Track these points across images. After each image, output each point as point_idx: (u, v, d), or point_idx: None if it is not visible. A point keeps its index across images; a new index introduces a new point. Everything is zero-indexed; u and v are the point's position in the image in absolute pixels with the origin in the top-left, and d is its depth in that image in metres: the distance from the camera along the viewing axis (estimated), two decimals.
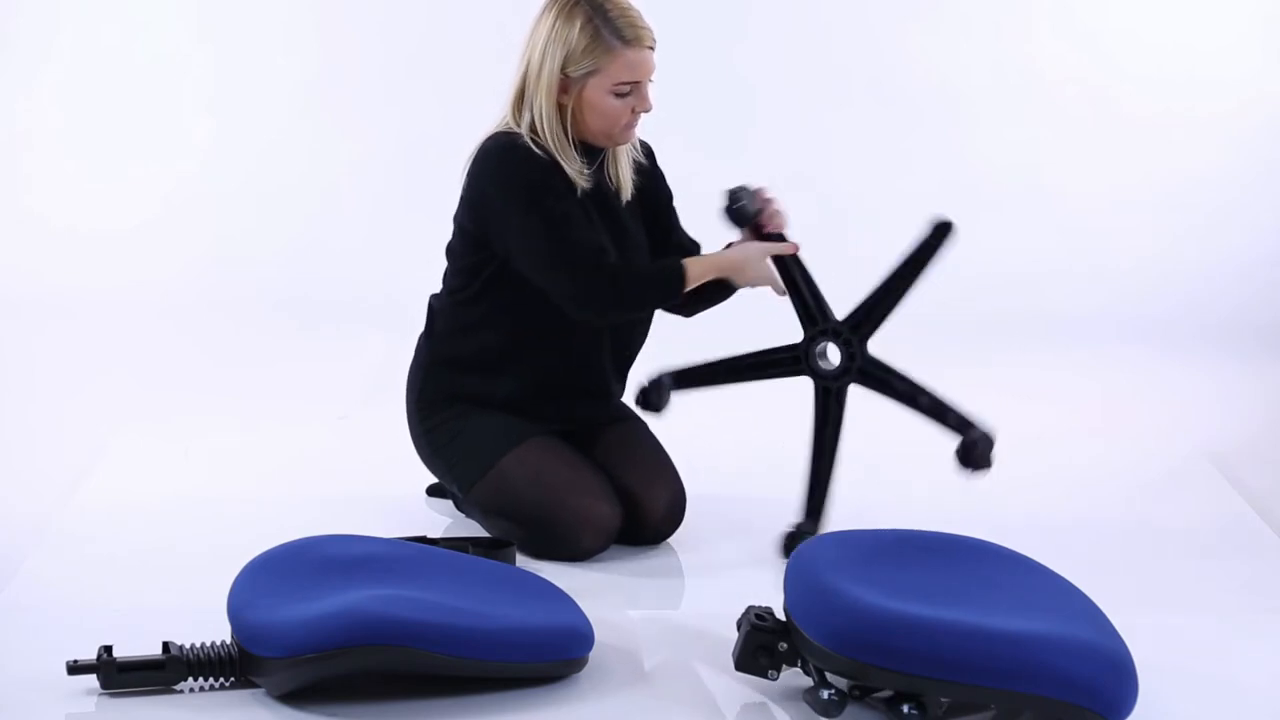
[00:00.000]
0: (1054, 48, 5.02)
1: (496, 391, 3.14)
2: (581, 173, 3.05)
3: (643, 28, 3.01)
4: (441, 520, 3.31)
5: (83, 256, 4.79)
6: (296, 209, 4.93)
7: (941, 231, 3.11)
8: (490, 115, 5.12)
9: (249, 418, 3.98)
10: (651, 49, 3.03)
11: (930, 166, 4.95)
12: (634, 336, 3.23)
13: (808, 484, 3.11)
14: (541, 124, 3.03)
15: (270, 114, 5.02)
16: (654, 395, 3.07)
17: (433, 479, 3.37)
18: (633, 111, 3.04)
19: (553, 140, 3.03)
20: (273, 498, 3.42)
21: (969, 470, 3.03)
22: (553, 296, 3.05)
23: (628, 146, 3.13)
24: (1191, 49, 4.99)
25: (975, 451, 3.01)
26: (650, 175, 3.22)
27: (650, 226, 3.22)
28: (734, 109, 4.84)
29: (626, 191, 3.14)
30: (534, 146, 3.03)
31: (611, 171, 3.14)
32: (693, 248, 3.27)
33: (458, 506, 3.31)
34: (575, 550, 3.07)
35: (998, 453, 3.01)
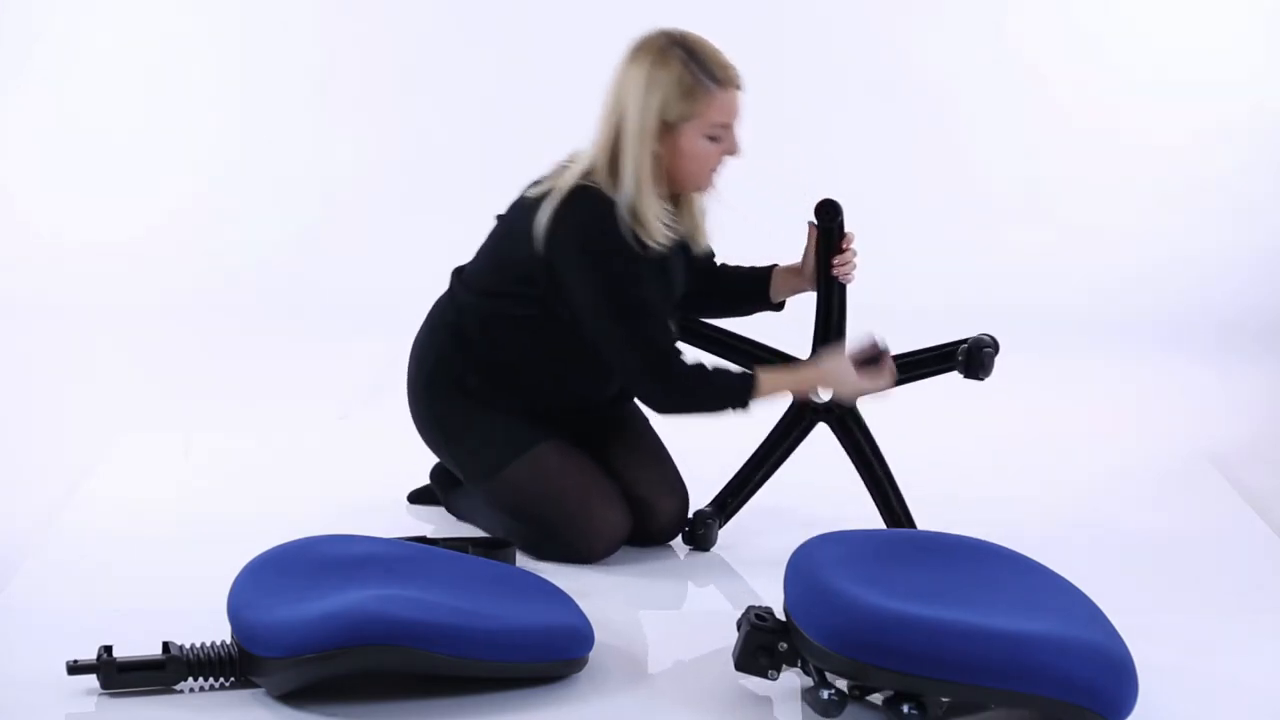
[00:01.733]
0: (1055, 48, 5.03)
1: (513, 404, 3.11)
2: (667, 226, 2.99)
3: (732, 68, 2.97)
4: (441, 521, 3.31)
5: (83, 257, 4.79)
6: (297, 210, 4.93)
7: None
8: (492, 115, 5.12)
9: (249, 418, 3.99)
10: (740, 90, 2.98)
11: (930, 166, 4.95)
12: None
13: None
14: (641, 175, 2.94)
15: (272, 114, 5.02)
16: (700, 531, 3.15)
17: (415, 486, 3.39)
18: (721, 156, 2.99)
19: (647, 193, 2.95)
20: (273, 498, 3.42)
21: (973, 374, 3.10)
22: (617, 372, 3.04)
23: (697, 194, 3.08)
24: (1195, 49, 4.99)
25: (978, 357, 3.06)
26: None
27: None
28: None
29: (700, 241, 3.13)
30: (619, 215, 2.95)
31: (685, 220, 3.08)
32: (708, 255, 3.23)
33: (449, 509, 3.31)
34: (585, 556, 3.07)
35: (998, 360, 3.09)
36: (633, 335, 2.97)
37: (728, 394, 3.01)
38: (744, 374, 3.04)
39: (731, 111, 2.97)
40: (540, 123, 4.93)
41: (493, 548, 3.02)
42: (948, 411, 4.07)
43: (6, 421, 3.97)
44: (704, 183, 3.02)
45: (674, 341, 3.05)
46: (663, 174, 2.98)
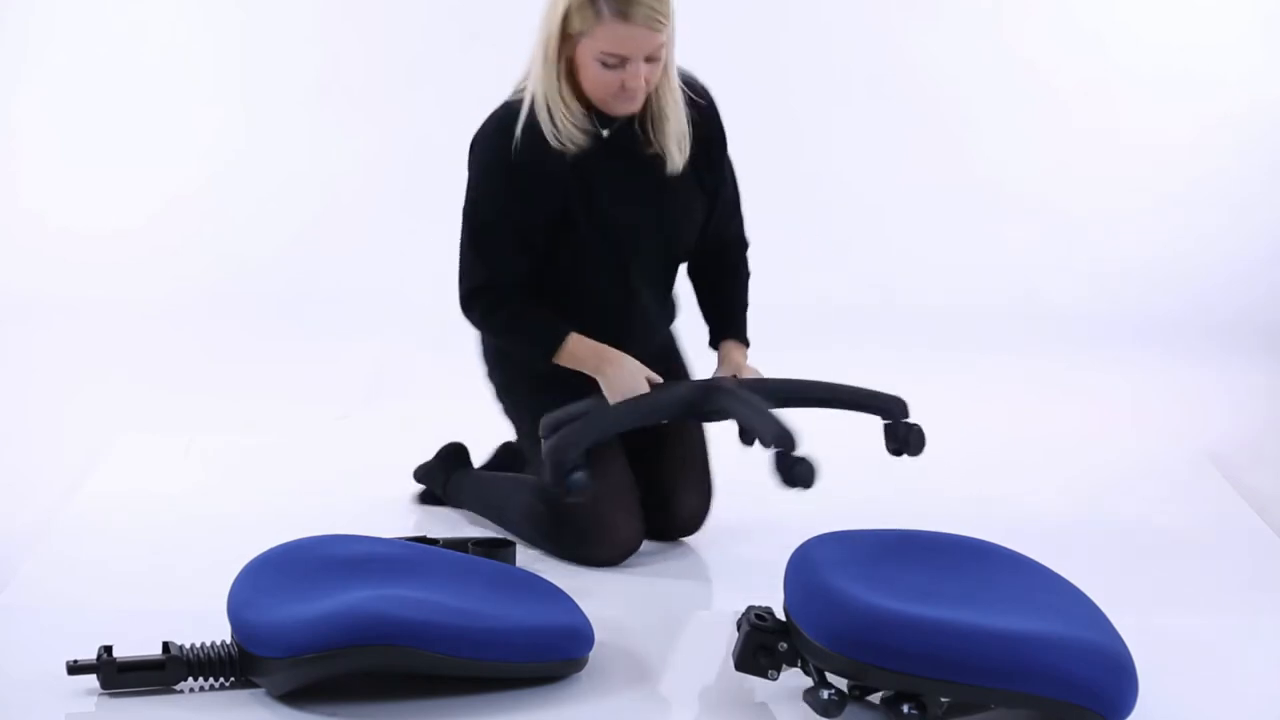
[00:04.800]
0: (1056, 48, 5.02)
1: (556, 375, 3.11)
2: (580, 131, 2.98)
3: (645, 6, 2.87)
4: (441, 520, 3.31)
5: (83, 257, 4.79)
6: (297, 209, 4.92)
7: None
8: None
9: (249, 418, 3.98)
10: (651, 29, 2.88)
11: (930, 166, 4.95)
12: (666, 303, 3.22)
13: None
14: (538, 74, 2.97)
15: (272, 114, 5.02)
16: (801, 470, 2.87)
17: (422, 487, 3.41)
18: (622, 86, 2.93)
19: (552, 94, 2.97)
20: (273, 497, 3.42)
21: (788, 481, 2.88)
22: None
23: (673, 115, 3.01)
24: (1196, 48, 4.99)
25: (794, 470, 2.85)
26: (702, 152, 3.10)
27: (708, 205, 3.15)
28: (735, 108, 4.84)
29: (672, 161, 3.04)
30: (524, 118, 2.99)
31: (653, 137, 3.04)
32: (736, 245, 3.21)
33: (448, 499, 3.32)
34: (589, 560, 3.08)
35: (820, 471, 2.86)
36: (466, 252, 3.07)
37: (532, 345, 3.07)
38: (554, 333, 3.04)
39: (625, 46, 2.89)
40: None
41: (493, 547, 3.02)
42: (947, 411, 4.07)
43: (6, 421, 3.97)
44: (610, 105, 2.97)
45: (509, 277, 3.05)
46: (575, 80, 2.98)
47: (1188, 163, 4.91)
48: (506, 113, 3.04)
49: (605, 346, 3.06)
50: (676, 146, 3.05)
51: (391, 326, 4.49)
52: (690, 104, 3.06)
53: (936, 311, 4.58)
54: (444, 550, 2.80)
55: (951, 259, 4.79)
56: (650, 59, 2.93)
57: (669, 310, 3.26)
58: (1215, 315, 4.63)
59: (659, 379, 3.07)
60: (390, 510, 3.31)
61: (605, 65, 2.92)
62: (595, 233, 3.06)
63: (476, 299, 3.08)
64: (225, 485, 3.52)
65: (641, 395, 3.00)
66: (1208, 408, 4.10)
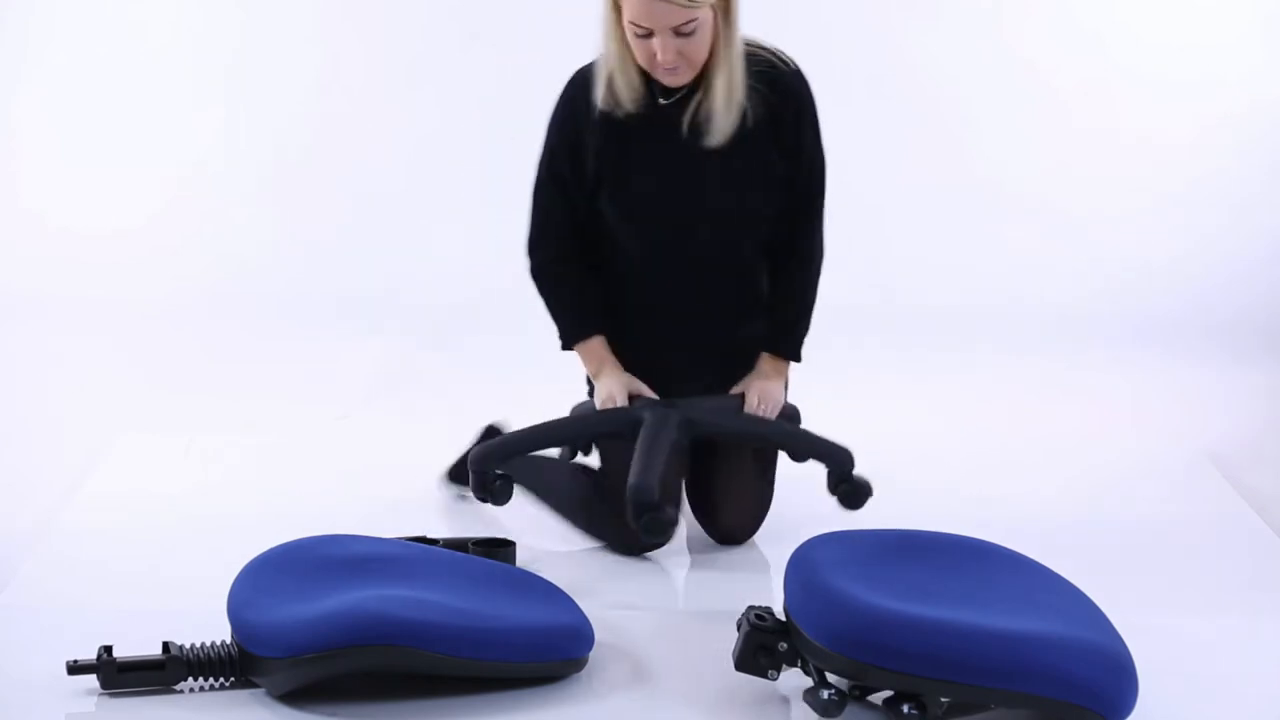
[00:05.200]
0: (1056, 48, 5.02)
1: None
2: (633, 98, 3.01)
3: None
4: (441, 520, 3.31)
5: (83, 257, 4.79)
6: (297, 209, 4.92)
7: None
8: (495, 115, 5.13)
9: (249, 418, 3.98)
10: (672, 2, 2.86)
11: (930, 166, 4.95)
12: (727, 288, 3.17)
13: None
14: (608, 40, 2.99)
15: (272, 114, 5.02)
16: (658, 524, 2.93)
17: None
18: (655, 57, 2.94)
19: (611, 56, 3.00)
20: (273, 497, 3.42)
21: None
22: None
23: (722, 88, 2.98)
24: (1196, 48, 4.98)
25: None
26: (765, 129, 3.05)
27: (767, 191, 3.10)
28: None
29: (714, 134, 3.01)
30: (593, 80, 3.03)
31: (706, 106, 3.01)
32: (804, 254, 3.16)
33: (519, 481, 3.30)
34: (614, 546, 3.11)
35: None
36: (532, 205, 3.16)
37: (556, 324, 3.17)
38: (578, 328, 3.12)
39: (648, 17, 2.89)
40: (543, 122, 4.94)
41: (493, 547, 3.02)
42: (947, 411, 4.08)
43: (6, 421, 3.97)
44: (655, 73, 2.99)
45: (554, 229, 3.12)
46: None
47: (1188, 163, 4.91)
48: (579, 73, 3.10)
49: (610, 359, 3.12)
50: (721, 120, 3.00)
51: (391, 326, 4.49)
52: (763, 78, 3.03)
53: (936, 311, 4.58)
54: (444, 550, 2.80)
55: (951, 259, 4.79)
56: (681, 32, 2.91)
57: (739, 304, 3.18)
58: (1215, 315, 4.63)
59: (648, 394, 3.09)
60: (390, 510, 3.31)
61: (637, 35, 2.94)
62: (613, 197, 3.08)
63: (532, 252, 3.17)
64: (225, 485, 3.52)
65: (581, 414, 3.12)
66: (1208, 408, 4.10)
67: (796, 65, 3.10)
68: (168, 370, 4.29)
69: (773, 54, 3.08)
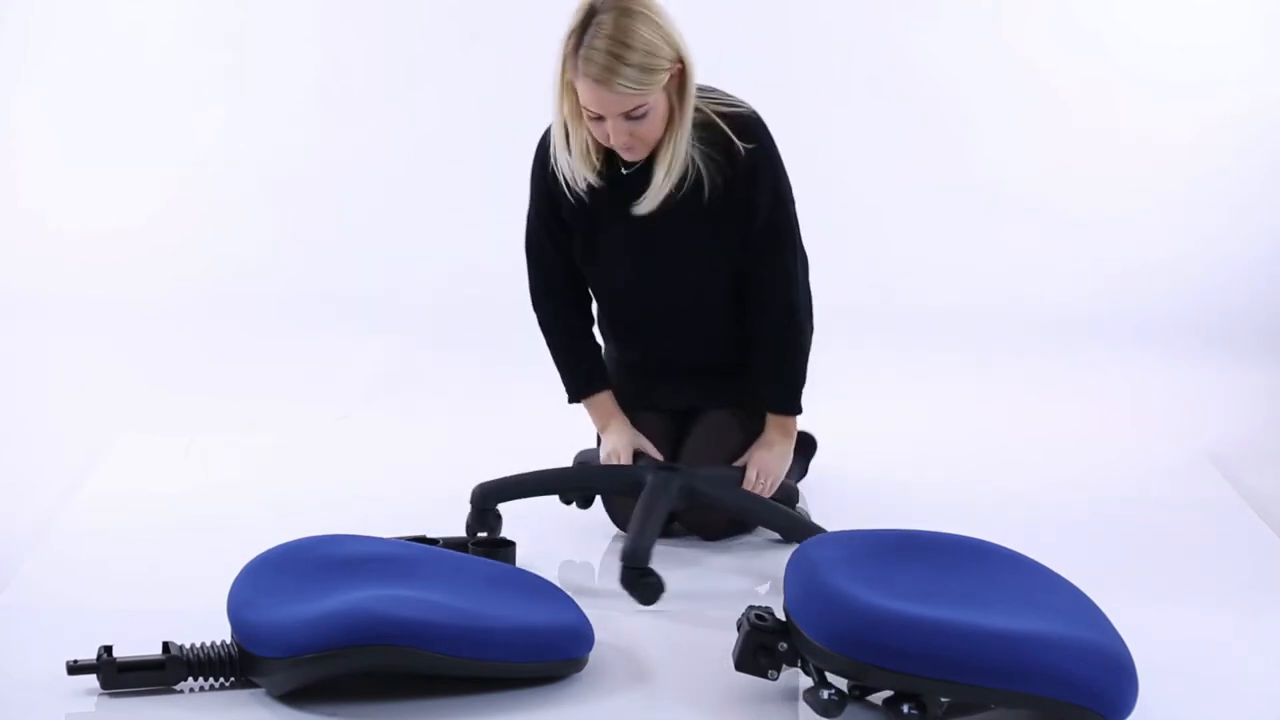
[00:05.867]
0: (1056, 48, 5.02)
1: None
2: (591, 170, 3.03)
3: (604, 66, 2.86)
4: (441, 520, 3.31)
5: (83, 257, 4.79)
6: (298, 209, 4.92)
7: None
8: (495, 115, 5.13)
9: (249, 418, 3.98)
10: (614, 92, 2.87)
11: (930, 166, 4.95)
12: (712, 325, 3.20)
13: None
14: (561, 111, 2.99)
15: (272, 114, 5.02)
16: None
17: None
18: (601, 132, 2.96)
19: (555, 132, 3.03)
20: (273, 498, 3.42)
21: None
22: None
23: (674, 164, 2.99)
24: (1196, 48, 4.98)
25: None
26: (720, 201, 3.06)
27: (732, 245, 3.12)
28: None
29: (643, 204, 3.02)
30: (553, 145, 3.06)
31: (655, 175, 3.02)
32: (779, 308, 3.14)
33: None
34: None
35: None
36: (526, 256, 3.22)
37: (562, 375, 3.24)
38: (587, 382, 3.20)
39: (593, 102, 2.91)
40: (543, 122, 4.94)
41: (493, 547, 3.02)
42: (947, 411, 4.08)
43: (6, 421, 3.97)
44: (614, 148, 2.99)
45: (556, 281, 3.18)
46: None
47: (1188, 163, 4.91)
48: (549, 131, 3.10)
49: (617, 415, 3.19)
50: (655, 190, 3.01)
51: (391, 326, 4.49)
52: (722, 150, 3.03)
53: (936, 311, 4.58)
54: (444, 550, 2.79)
55: (951, 259, 4.79)
56: (631, 116, 2.92)
57: (709, 340, 3.21)
58: (1215, 315, 4.63)
59: (654, 455, 3.15)
60: (390, 510, 3.31)
61: (589, 117, 2.95)
62: (582, 258, 3.15)
63: (536, 306, 3.22)
64: (225, 485, 3.52)
65: (585, 467, 3.21)
66: (1208, 408, 4.09)
67: (752, 112, 3.09)
68: (168, 370, 4.29)
69: (726, 108, 3.05)
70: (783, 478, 3.14)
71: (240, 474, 3.60)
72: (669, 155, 2.99)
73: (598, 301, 3.24)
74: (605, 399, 3.21)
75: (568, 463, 3.32)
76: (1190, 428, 3.94)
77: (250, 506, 3.36)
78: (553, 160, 3.05)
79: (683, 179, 3.01)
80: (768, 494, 3.10)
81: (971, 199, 4.89)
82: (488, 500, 3.08)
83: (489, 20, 4.98)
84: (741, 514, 3.14)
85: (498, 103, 4.90)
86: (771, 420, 3.18)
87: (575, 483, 3.19)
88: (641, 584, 2.84)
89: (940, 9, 5.05)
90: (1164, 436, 3.89)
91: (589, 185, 3.05)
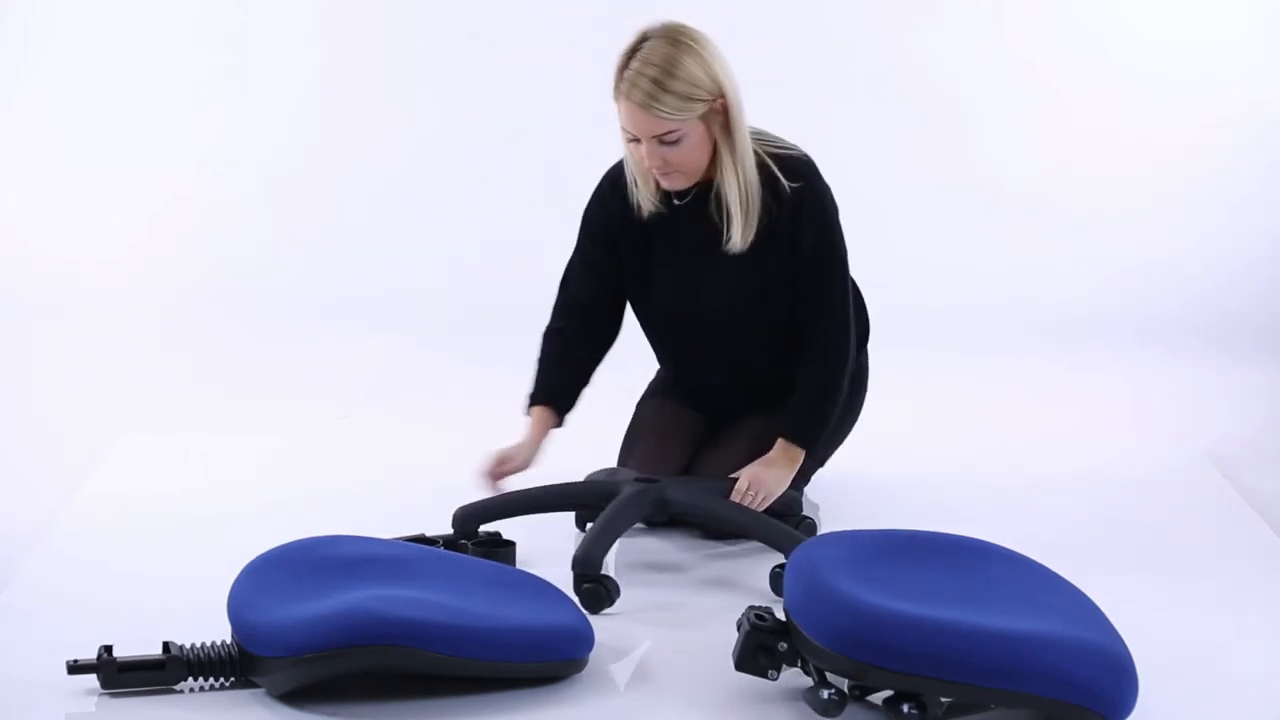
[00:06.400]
0: (1056, 48, 5.02)
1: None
2: (651, 201, 3.13)
3: (639, 89, 2.97)
4: (441, 520, 3.31)
5: (82, 256, 4.79)
6: (297, 209, 4.92)
7: None
8: (495, 115, 5.13)
9: (249, 418, 3.98)
10: (647, 111, 2.97)
11: (930, 166, 4.95)
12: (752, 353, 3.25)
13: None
14: (625, 142, 3.10)
15: (272, 114, 5.02)
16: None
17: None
18: (643, 157, 3.04)
19: (627, 161, 3.13)
20: (273, 498, 3.42)
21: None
22: None
23: (733, 196, 3.05)
24: (1196, 48, 4.98)
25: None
26: (768, 237, 3.11)
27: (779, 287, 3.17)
28: None
29: (731, 239, 3.08)
30: (620, 178, 3.16)
31: (714, 210, 3.11)
32: (817, 349, 3.16)
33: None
34: None
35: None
36: (561, 280, 3.30)
37: (534, 379, 3.28)
38: (543, 393, 3.24)
39: (627, 122, 3.02)
40: (543, 122, 4.94)
41: (492, 547, 3.02)
42: (947, 411, 4.08)
43: (6, 421, 3.97)
44: (647, 170, 3.08)
45: (580, 298, 3.24)
46: None
47: (1188, 163, 4.91)
48: (613, 168, 3.21)
49: (537, 435, 3.22)
50: (737, 226, 3.07)
51: (391, 326, 4.49)
52: (769, 189, 3.09)
53: (936, 311, 4.58)
54: (444, 550, 2.80)
55: (951, 259, 4.79)
56: (664, 141, 3.00)
57: (760, 366, 3.25)
58: (1215, 315, 4.63)
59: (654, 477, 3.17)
60: (390, 510, 3.31)
61: (627, 139, 3.06)
62: (632, 291, 3.23)
63: (552, 319, 3.28)
64: (225, 485, 3.52)
65: (565, 485, 3.19)
66: (1208, 408, 4.10)
67: (804, 155, 3.15)
68: (168, 370, 4.29)
69: (777, 149, 3.12)
70: (776, 495, 3.12)
71: (240, 474, 3.60)
72: (737, 187, 3.06)
73: (647, 332, 3.30)
74: (544, 416, 3.23)
75: (568, 462, 3.31)
76: (1190, 428, 3.94)
77: (250, 506, 3.36)
78: (631, 187, 3.13)
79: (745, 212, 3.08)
80: (758, 508, 3.08)
81: (971, 199, 4.89)
82: (469, 524, 3.08)
83: (489, 20, 4.98)
84: (718, 524, 3.14)
85: (498, 103, 4.90)
86: (781, 443, 3.17)
87: (554, 500, 3.18)
88: (590, 589, 2.84)
89: (940, 9, 5.05)
90: (1164, 436, 3.89)
91: (647, 213, 3.13)
